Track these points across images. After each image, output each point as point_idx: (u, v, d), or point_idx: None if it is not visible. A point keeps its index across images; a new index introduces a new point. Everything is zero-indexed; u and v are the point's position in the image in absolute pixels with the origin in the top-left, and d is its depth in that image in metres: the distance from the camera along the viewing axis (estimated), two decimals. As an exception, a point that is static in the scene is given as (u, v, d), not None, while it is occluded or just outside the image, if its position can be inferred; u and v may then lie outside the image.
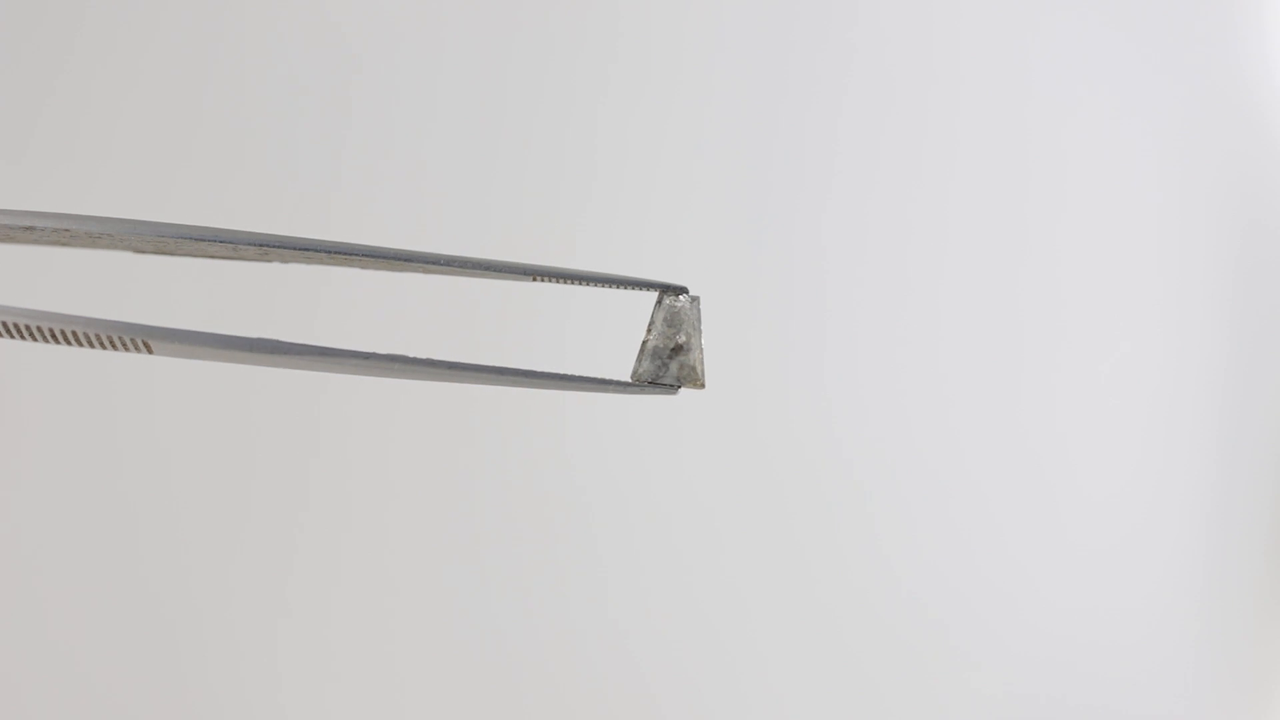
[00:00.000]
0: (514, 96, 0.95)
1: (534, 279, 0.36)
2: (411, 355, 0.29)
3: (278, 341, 0.28)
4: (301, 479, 0.87)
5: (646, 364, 0.34)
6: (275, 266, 0.74)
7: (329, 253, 0.38)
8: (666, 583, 1.04)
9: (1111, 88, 1.31)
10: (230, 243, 0.38)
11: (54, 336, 0.33)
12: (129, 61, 0.82)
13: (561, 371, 0.31)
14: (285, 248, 0.38)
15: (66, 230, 0.39)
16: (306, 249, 0.38)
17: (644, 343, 0.34)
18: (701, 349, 0.34)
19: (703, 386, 0.33)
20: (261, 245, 0.39)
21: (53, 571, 0.80)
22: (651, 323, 0.34)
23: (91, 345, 0.35)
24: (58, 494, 0.80)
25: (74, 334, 0.30)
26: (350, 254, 0.37)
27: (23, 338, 0.32)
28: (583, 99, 0.99)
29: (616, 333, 0.48)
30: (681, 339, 0.34)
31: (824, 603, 1.13)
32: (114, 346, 0.33)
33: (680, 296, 0.34)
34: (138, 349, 0.33)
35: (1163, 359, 1.35)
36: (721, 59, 1.07)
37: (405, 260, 0.37)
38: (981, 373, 1.22)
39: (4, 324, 0.29)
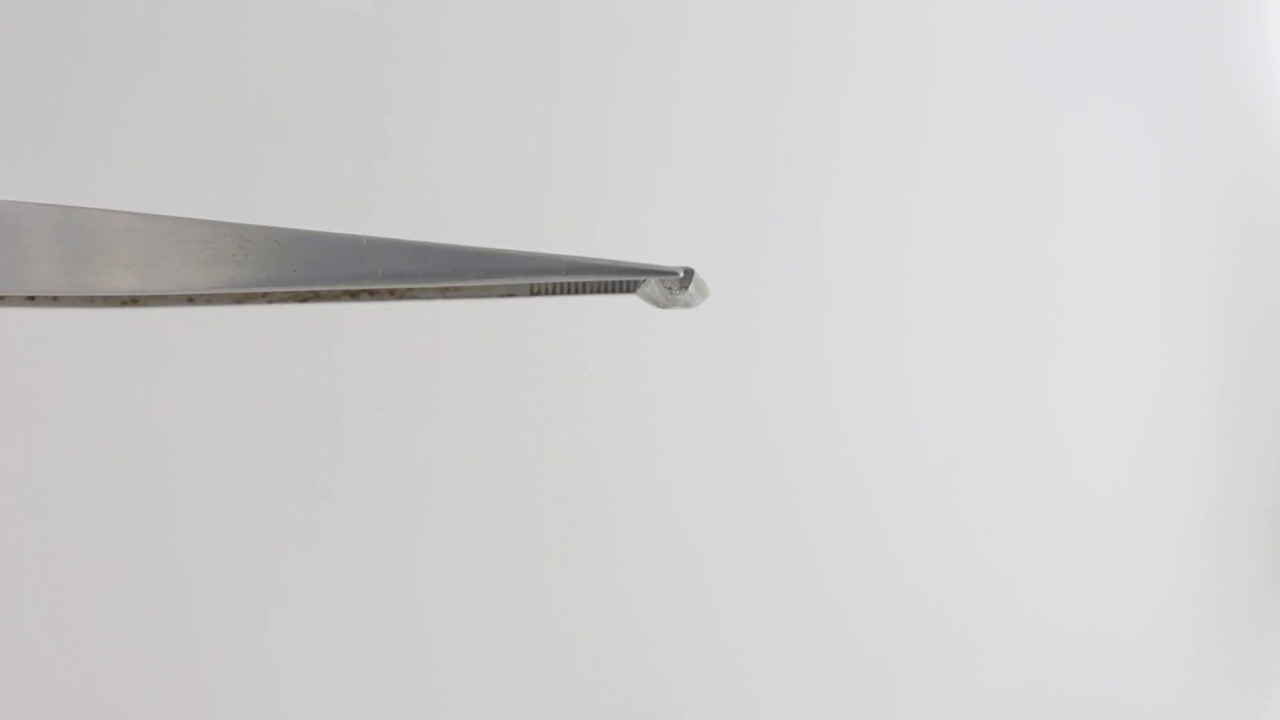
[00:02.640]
0: (517, 91, 0.96)
1: (531, 291, 0.36)
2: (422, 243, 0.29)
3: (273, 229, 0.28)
4: (316, 459, 0.87)
5: (642, 297, 0.34)
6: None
7: (307, 289, 0.38)
8: (674, 570, 1.04)
9: (1111, 88, 1.31)
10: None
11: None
12: (134, 61, 0.82)
13: (572, 281, 0.30)
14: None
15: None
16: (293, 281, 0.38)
17: (641, 289, 0.34)
18: (695, 296, 0.34)
19: (708, 295, 0.33)
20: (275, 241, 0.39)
21: (58, 572, 0.80)
22: (647, 283, 0.34)
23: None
24: (62, 494, 0.80)
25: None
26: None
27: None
28: (582, 92, 0.99)
29: (614, 323, 0.48)
30: (676, 308, 0.34)
31: (826, 592, 1.12)
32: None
33: (673, 286, 0.34)
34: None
35: (1162, 355, 1.35)
36: (721, 56, 1.08)
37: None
38: (983, 367, 1.22)
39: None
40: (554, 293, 0.31)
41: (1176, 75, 1.35)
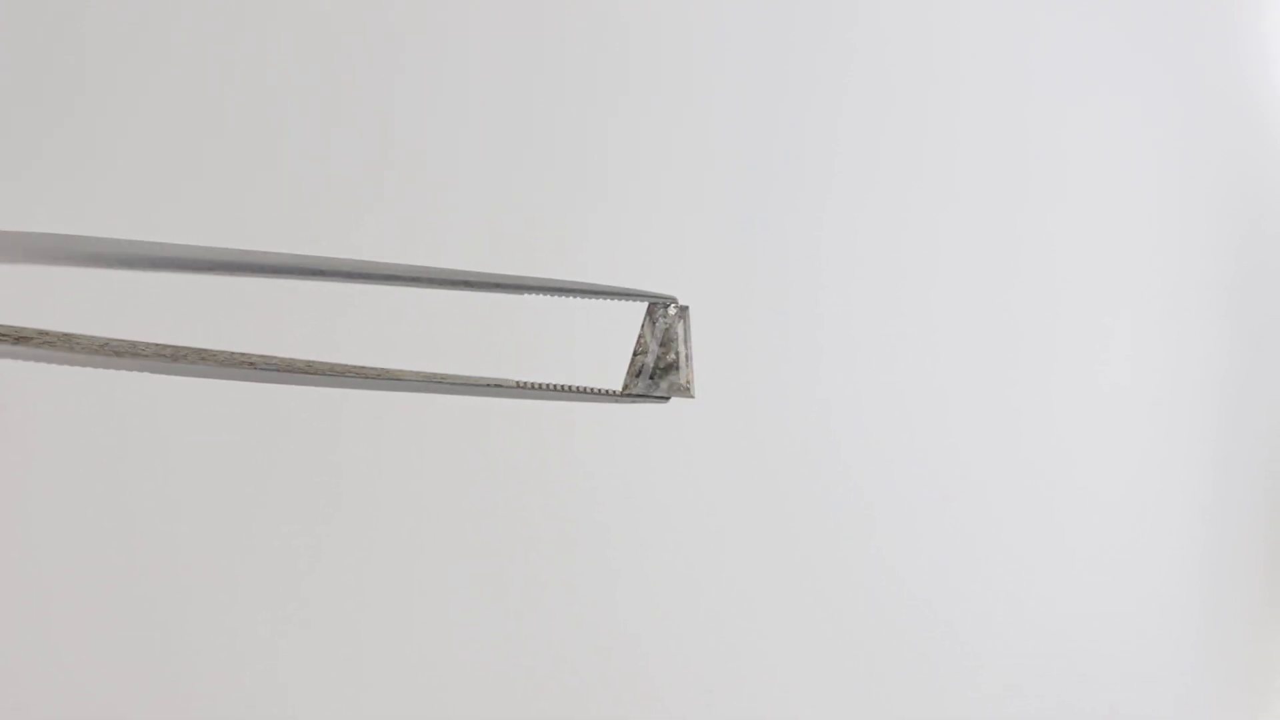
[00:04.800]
0: (513, 110, 0.96)
1: (524, 292, 0.36)
2: (409, 371, 0.29)
3: (291, 362, 0.28)
4: (322, 486, 0.88)
5: (638, 379, 0.35)
6: (277, 281, 0.75)
7: (316, 272, 0.39)
8: (675, 586, 1.04)
9: (1111, 88, 1.31)
10: (232, 268, 0.39)
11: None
12: (133, 75, 0.82)
13: (556, 383, 0.31)
14: (286, 271, 0.39)
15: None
16: (298, 270, 0.39)
17: (635, 357, 0.35)
18: (691, 362, 0.35)
19: (692, 397, 0.34)
20: (264, 269, 0.40)
21: (72, 581, 0.81)
22: (641, 336, 0.35)
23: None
24: (76, 504, 0.81)
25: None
26: (334, 273, 0.38)
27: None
28: (582, 109, 0.99)
29: (610, 338, 0.49)
30: (672, 357, 0.34)
31: (830, 605, 1.13)
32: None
33: (669, 308, 0.35)
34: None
35: (1162, 362, 1.35)
36: (721, 62, 1.08)
37: (392, 279, 0.38)
38: (981, 377, 1.22)
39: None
40: (539, 394, 0.31)
41: (1176, 76, 1.34)
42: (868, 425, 1.15)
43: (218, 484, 0.85)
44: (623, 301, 0.36)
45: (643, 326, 0.35)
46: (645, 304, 0.34)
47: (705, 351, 0.55)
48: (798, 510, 1.11)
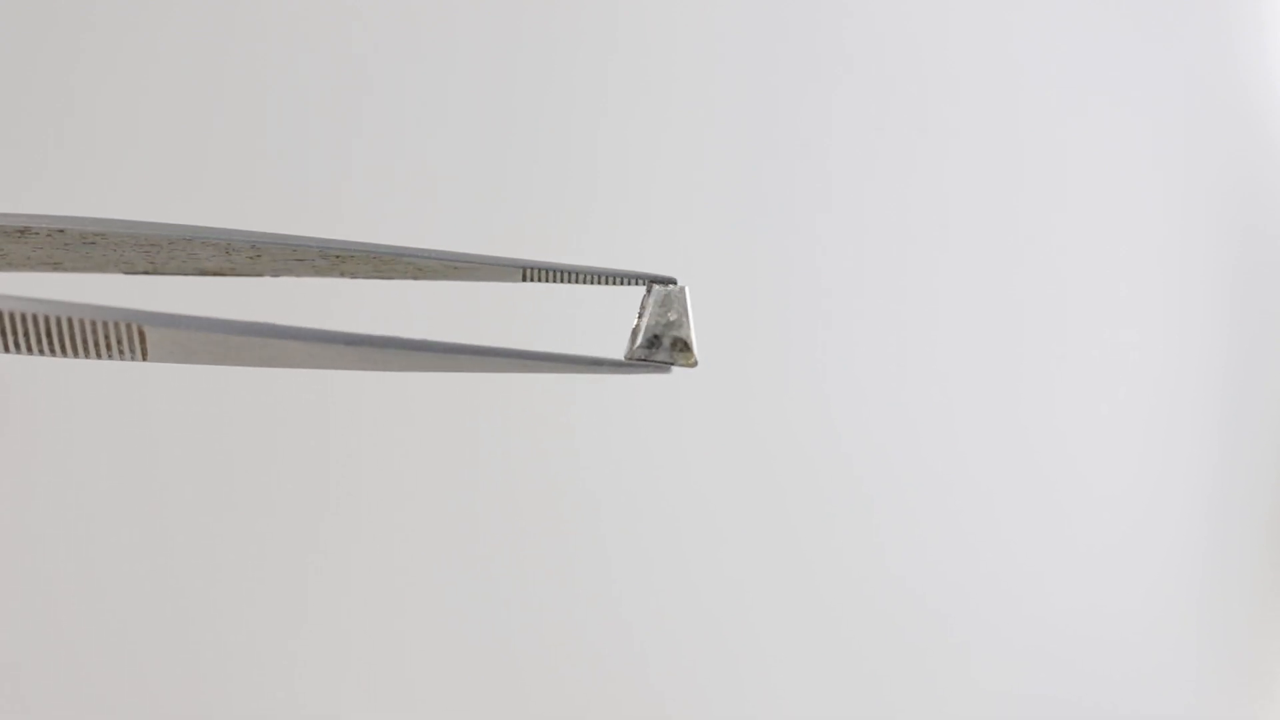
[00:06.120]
0: (508, 94, 0.96)
1: (524, 277, 0.36)
2: (406, 338, 0.29)
3: (273, 325, 0.28)
4: (310, 469, 0.87)
5: (638, 343, 0.35)
6: (266, 278, 0.75)
7: (320, 251, 0.38)
8: (669, 578, 1.04)
9: (1110, 90, 1.31)
10: (222, 242, 0.39)
11: (44, 339, 0.33)
12: (125, 74, 0.82)
13: (555, 352, 0.31)
14: (276, 245, 0.38)
15: (61, 231, 0.39)
16: (298, 246, 0.39)
17: (635, 326, 0.35)
18: (692, 327, 0.35)
19: (695, 364, 0.33)
20: (252, 244, 0.40)
21: (68, 573, 0.80)
22: (642, 308, 0.35)
23: (85, 352, 0.35)
24: (72, 497, 0.80)
25: (67, 326, 0.30)
26: (341, 253, 0.38)
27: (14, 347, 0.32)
28: (578, 95, 0.99)
29: (608, 328, 0.48)
30: (672, 316, 0.34)
31: (825, 598, 1.13)
32: (108, 349, 0.33)
33: (669, 288, 0.35)
34: (132, 352, 0.34)
35: (1163, 358, 1.35)
36: (717, 53, 1.08)
37: (395, 257, 0.38)
38: (982, 370, 1.22)
39: None
40: (538, 365, 0.31)
41: (1176, 79, 1.35)
42: (867, 416, 1.15)
43: (214, 477, 0.85)
44: (622, 287, 0.36)
45: (643, 300, 0.35)
46: (645, 286, 0.34)
47: (704, 338, 0.55)
48: (795, 504, 1.11)
